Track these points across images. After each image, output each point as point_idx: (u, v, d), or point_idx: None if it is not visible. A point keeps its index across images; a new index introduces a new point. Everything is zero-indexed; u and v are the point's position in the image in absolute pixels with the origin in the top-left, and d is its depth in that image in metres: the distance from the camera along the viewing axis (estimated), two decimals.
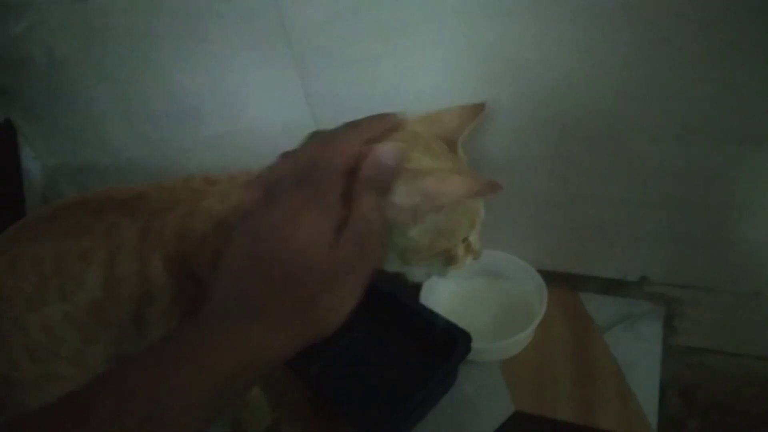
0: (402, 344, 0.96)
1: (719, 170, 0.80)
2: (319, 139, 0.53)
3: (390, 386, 0.91)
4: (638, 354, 0.91)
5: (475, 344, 0.87)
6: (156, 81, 1.07)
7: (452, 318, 0.91)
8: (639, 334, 0.94)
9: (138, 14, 0.98)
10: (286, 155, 0.52)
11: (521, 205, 0.95)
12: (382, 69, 0.88)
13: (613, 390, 0.87)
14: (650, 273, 0.96)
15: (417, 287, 0.99)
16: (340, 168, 0.49)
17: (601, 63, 0.76)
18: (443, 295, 1.01)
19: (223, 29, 0.94)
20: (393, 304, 0.94)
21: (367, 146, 0.51)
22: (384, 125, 0.56)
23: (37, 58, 1.15)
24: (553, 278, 0.98)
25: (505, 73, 0.82)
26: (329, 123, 0.95)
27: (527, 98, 0.83)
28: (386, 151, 0.51)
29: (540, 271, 0.98)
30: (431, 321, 0.90)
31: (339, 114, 0.93)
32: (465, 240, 0.64)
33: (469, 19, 0.78)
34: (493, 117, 0.86)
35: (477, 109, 0.71)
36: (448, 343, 0.87)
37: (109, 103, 1.16)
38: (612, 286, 0.99)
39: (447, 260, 0.64)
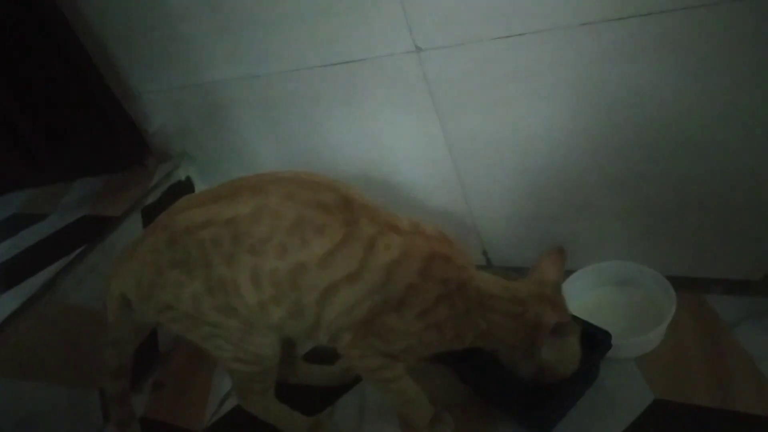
0: None
1: None
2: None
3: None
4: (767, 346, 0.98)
5: (612, 341, 0.98)
6: (313, 135, 1.28)
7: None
8: (766, 327, 1.00)
9: (300, 82, 1.20)
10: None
11: (644, 215, 1.08)
12: (511, 110, 1.04)
13: (747, 376, 0.94)
14: None
15: None
16: None
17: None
18: (577, 304, 1.12)
19: (373, 90, 1.14)
20: None
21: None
22: None
23: (215, 125, 1.40)
24: (678, 283, 1.07)
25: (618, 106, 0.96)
26: (465, 160, 1.13)
27: (632, 125, 0.97)
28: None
29: (667, 277, 1.08)
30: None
31: (474, 151, 1.11)
32: None
33: (588, 63, 0.94)
34: (606, 140, 1.01)
35: (562, 254, 0.97)
36: (589, 341, 0.97)
37: (273, 157, 1.39)
38: (736, 287, 1.07)
39: None
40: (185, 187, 1.54)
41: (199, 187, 1.57)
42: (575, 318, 1.01)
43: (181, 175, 1.53)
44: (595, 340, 0.98)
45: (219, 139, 1.43)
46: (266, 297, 0.88)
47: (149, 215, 1.44)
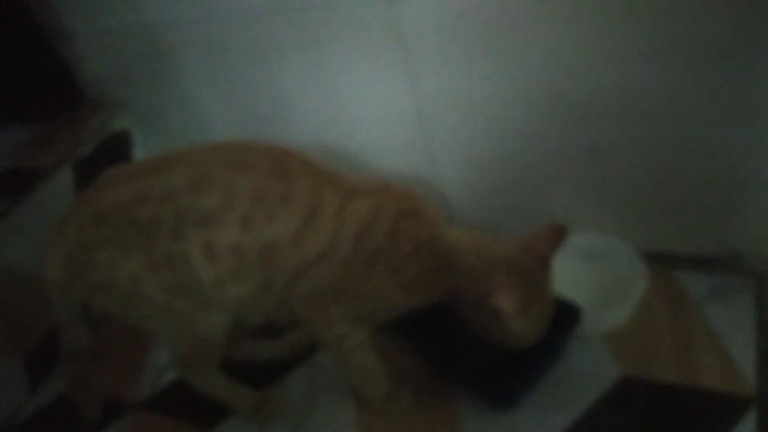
0: None
1: None
2: None
3: (502, 357, 0.97)
4: (732, 324, 0.98)
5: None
6: (267, 88, 1.18)
7: None
8: (731, 305, 1.00)
9: (258, 27, 1.09)
10: None
11: (617, 187, 1.04)
12: (487, 69, 0.98)
13: (712, 355, 0.94)
14: (741, 249, 1.02)
15: None
16: None
17: None
18: None
19: (336, 39, 1.05)
20: None
21: None
22: None
23: (157, 73, 1.28)
24: (646, 258, 1.04)
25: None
26: (434, 121, 1.06)
27: (608, 93, 0.94)
28: None
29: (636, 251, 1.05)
30: None
31: (444, 112, 1.04)
32: None
33: (567, 22, 0.89)
34: (582, 108, 0.97)
35: (562, 233, 0.87)
36: (559, 316, 0.92)
37: (221, 111, 1.28)
38: (704, 263, 1.06)
39: None
40: (122, 139, 1.42)
41: (138, 140, 1.45)
42: None
43: (117, 126, 1.41)
44: (565, 314, 0.94)
45: (161, 88, 1.30)
46: (224, 272, 0.82)
47: (82, 169, 1.32)
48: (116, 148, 1.41)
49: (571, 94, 0.96)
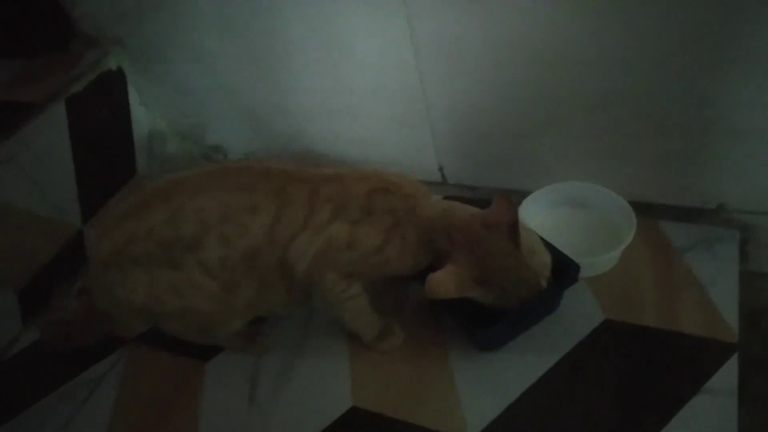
0: None
1: None
2: None
3: None
4: (716, 273, 1.00)
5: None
6: (269, 29, 1.16)
7: None
8: (716, 254, 1.02)
9: None
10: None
11: (606, 137, 1.05)
12: (487, 11, 0.96)
13: (695, 302, 0.96)
14: (727, 201, 1.04)
15: None
16: None
17: None
18: (534, 222, 1.10)
19: None
20: None
21: None
22: None
23: (153, 10, 1.25)
24: (633, 207, 1.05)
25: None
26: (432, 62, 1.05)
27: (601, 39, 0.93)
28: None
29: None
30: None
31: (440, 57, 1.03)
32: None
33: None
34: (574, 57, 0.97)
35: (509, 204, 0.87)
36: (558, 270, 0.92)
37: (220, 51, 1.26)
38: (690, 214, 1.08)
39: None
40: (116, 77, 1.40)
41: (132, 78, 1.43)
42: (547, 244, 0.96)
43: (111, 64, 1.39)
44: (563, 271, 0.94)
45: (157, 26, 1.28)
46: (225, 282, 0.91)
47: (75, 105, 1.30)
48: (110, 86, 1.39)
49: (564, 42, 0.95)
